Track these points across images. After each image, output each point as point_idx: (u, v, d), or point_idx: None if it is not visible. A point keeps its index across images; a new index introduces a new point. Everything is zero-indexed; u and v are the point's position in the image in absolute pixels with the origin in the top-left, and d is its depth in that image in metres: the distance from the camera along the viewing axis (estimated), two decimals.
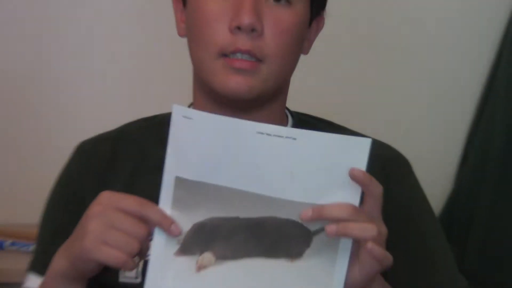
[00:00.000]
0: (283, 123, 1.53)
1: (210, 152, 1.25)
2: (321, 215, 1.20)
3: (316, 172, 1.23)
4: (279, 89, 1.47)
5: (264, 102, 1.46)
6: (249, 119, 1.39)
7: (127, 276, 1.41)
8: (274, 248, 1.25)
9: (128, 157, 1.50)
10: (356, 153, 1.22)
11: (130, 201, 1.24)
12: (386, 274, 1.30)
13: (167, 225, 1.24)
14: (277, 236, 1.24)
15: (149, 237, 1.25)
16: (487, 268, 2.25)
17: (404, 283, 1.39)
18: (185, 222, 1.24)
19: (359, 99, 2.50)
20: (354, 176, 1.20)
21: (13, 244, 2.24)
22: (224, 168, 1.25)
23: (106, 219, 1.24)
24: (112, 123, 1.57)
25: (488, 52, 2.46)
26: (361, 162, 1.21)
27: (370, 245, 1.17)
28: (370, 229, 1.18)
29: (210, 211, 1.25)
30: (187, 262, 1.24)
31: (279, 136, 1.23)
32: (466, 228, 2.32)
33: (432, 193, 1.55)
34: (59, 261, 1.31)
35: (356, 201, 1.19)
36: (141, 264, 1.39)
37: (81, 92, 2.48)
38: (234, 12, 1.39)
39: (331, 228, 1.18)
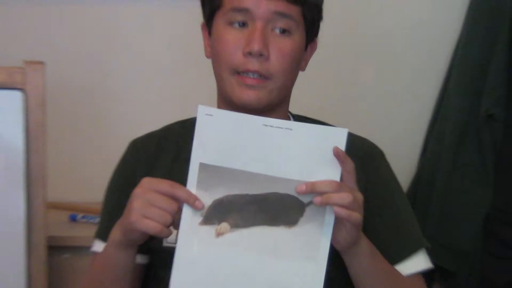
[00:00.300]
0: None
1: (227, 141, 1.28)
2: (313, 189, 1.23)
3: (307, 155, 1.26)
4: (283, 99, 1.50)
5: (270, 109, 1.47)
6: None
7: (168, 242, 1.42)
8: (276, 217, 1.27)
9: (168, 151, 1.52)
10: (336, 139, 1.25)
11: (164, 184, 1.28)
12: (371, 237, 1.35)
13: (192, 201, 1.27)
14: (278, 208, 1.27)
15: (179, 211, 1.28)
16: (442, 232, 2.26)
17: (384, 243, 1.40)
18: (207, 198, 1.28)
19: (344, 103, 2.51)
20: (336, 152, 1.24)
21: (83, 217, 2.24)
22: (237, 154, 1.27)
23: (146, 198, 1.27)
24: (156, 124, 1.60)
25: (443, 64, 2.44)
26: (340, 146, 1.25)
27: (336, 209, 1.22)
28: (346, 197, 1.22)
29: (226, 190, 1.28)
30: (209, 230, 1.28)
31: (279, 128, 1.27)
32: (426, 202, 2.32)
33: (401, 176, 1.57)
34: (115, 233, 1.35)
35: (337, 177, 1.24)
36: (175, 232, 1.39)
37: (133, 100, 2.51)
38: (246, 42, 1.41)
39: (317, 199, 1.22)
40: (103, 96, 2.48)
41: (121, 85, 2.49)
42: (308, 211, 1.26)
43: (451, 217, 2.27)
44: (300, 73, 1.52)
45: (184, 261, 1.28)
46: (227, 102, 1.48)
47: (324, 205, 1.23)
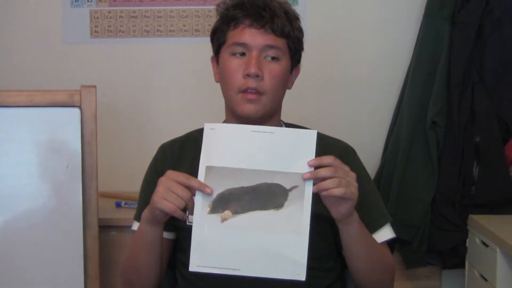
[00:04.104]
0: None
1: (225, 147, 1.29)
2: (315, 176, 1.25)
3: (286, 152, 1.27)
4: (275, 110, 1.50)
5: (266, 119, 1.47)
6: None
7: (190, 222, 1.39)
8: (266, 203, 1.28)
9: (189, 152, 1.51)
10: (308, 139, 1.27)
11: (181, 176, 1.29)
12: None
13: (203, 188, 1.27)
14: (267, 195, 1.27)
15: (191, 199, 1.28)
16: (399, 211, 2.26)
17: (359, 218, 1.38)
18: (213, 193, 1.28)
19: (326, 115, 2.49)
20: (311, 164, 1.26)
21: (126, 203, 2.23)
22: (233, 156, 1.28)
23: (167, 185, 1.29)
24: (180, 132, 1.60)
25: (398, 83, 2.41)
26: (311, 144, 1.27)
27: (331, 191, 1.24)
28: (333, 182, 1.24)
29: (226, 184, 1.28)
30: (215, 217, 1.28)
31: (264, 132, 1.29)
32: (388, 188, 2.31)
33: (368, 168, 1.57)
34: (146, 212, 1.37)
35: (309, 168, 1.26)
36: (191, 216, 1.41)
37: (164, 114, 2.51)
38: (245, 66, 1.43)
39: (314, 188, 1.24)
40: (142, 111, 2.48)
41: (155, 102, 2.49)
42: (291, 195, 1.26)
43: (406, 198, 2.27)
44: (290, 91, 1.52)
45: (199, 241, 1.28)
46: (233, 114, 1.48)
47: (318, 191, 1.25)
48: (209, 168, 1.28)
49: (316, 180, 1.26)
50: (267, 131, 1.28)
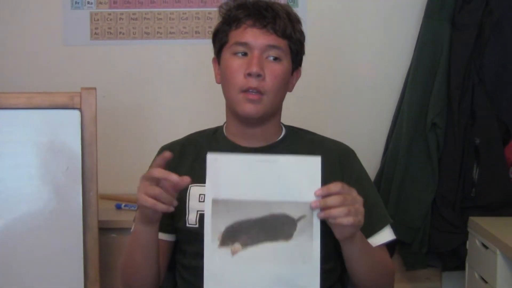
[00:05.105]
0: (279, 132, 1.53)
1: (231, 178, 1.26)
2: (324, 205, 1.23)
3: (292, 180, 1.25)
4: (275, 112, 1.50)
5: (266, 120, 1.48)
6: (258, 130, 1.49)
7: (190, 224, 1.43)
8: (275, 234, 1.26)
9: (189, 154, 1.52)
10: (313, 166, 1.25)
11: (160, 172, 1.26)
12: None
13: (180, 181, 1.24)
14: (276, 226, 1.26)
15: (171, 191, 1.26)
16: (400, 213, 2.26)
17: None
18: (221, 226, 1.26)
19: (323, 115, 2.50)
20: (319, 194, 1.24)
21: (126, 205, 2.23)
22: (239, 187, 1.26)
23: (146, 181, 1.27)
24: (180, 133, 1.61)
25: (399, 86, 2.41)
26: (317, 170, 1.24)
27: (339, 220, 1.23)
28: (341, 211, 1.22)
29: (234, 217, 1.26)
30: (226, 250, 1.26)
31: (269, 161, 1.26)
32: (388, 189, 2.31)
33: (369, 169, 1.57)
34: (137, 212, 1.37)
35: (314, 197, 1.24)
36: (194, 215, 1.42)
37: (164, 115, 2.50)
38: (247, 66, 1.43)
39: (320, 214, 1.23)
40: (142, 113, 2.48)
41: (155, 104, 2.49)
42: (299, 225, 1.25)
43: (406, 201, 2.27)
44: (290, 93, 1.52)
45: (211, 274, 1.27)
46: (233, 114, 1.48)
47: (325, 218, 1.23)
48: (215, 201, 1.26)
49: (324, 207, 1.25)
50: (271, 160, 1.26)
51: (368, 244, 1.39)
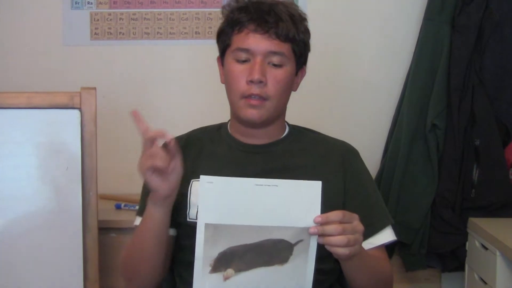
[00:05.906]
0: (283, 130, 1.52)
1: (226, 202, 1.21)
2: (323, 232, 1.21)
3: (291, 205, 1.21)
4: (279, 114, 1.50)
5: (269, 123, 1.48)
6: (261, 132, 1.49)
7: (190, 218, 1.42)
8: (270, 259, 1.23)
9: (191, 150, 1.51)
10: (313, 191, 1.21)
11: (151, 150, 1.29)
12: None
13: (159, 131, 1.32)
14: (272, 251, 1.22)
15: (165, 156, 1.28)
16: (399, 213, 2.26)
17: (361, 220, 1.34)
18: (213, 251, 1.22)
19: (323, 115, 2.50)
20: (318, 222, 1.21)
21: (125, 205, 2.23)
22: (235, 211, 1.21)
23: (144, 156, 1.30)
24: (184, 129, 1.59)
25: (398, 87, 2.42)
26: (317, 195, 1.21)
27: (335, 249, 1.22)
28: (340, 240, 1.20)
29: (228, 242, 1.22)
30: (217, 276, 1.23)
31: (268, 185, 1.21)
32: (388, 190, 2.31)
33: (370, 170, 1.55)
34: (149, 196, 1.37)
35: (313, 223, 1.21)
36: (195, 210, 1.41)
37: (166, 113, 2.48)
38: (249, 72, 1.42)
39: (320, 239, 1.21)
40: (142, 113, 2.30)
41: (155, 104, 2.48)
42: (296, 250, 1.22)
43: (406, 201, 2.28)
44: (296, 93, 1.51)
45: None
46: (236, 118, 1.49)
47: (324, 243, 1.21)
48: (208, 226, 1.20)
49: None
50: (271, 184, 1.21)
51: (367, 256, 1.37)
